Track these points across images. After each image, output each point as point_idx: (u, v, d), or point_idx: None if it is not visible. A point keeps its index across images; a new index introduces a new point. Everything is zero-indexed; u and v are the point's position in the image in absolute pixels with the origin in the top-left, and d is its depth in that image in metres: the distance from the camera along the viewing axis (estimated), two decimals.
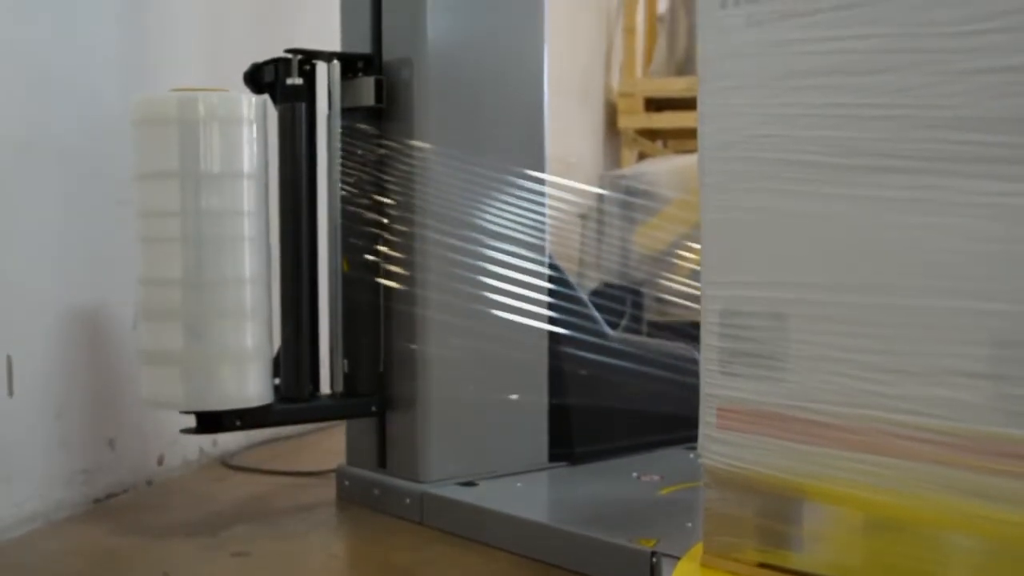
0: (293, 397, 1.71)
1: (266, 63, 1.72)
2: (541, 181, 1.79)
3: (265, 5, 2.36)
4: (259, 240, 1.65)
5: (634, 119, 4.27)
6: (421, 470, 1.73)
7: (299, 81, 1.70)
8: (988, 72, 0.99)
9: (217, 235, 1.60)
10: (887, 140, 1.06)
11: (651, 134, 4.35)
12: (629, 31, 4.49)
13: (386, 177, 1.72)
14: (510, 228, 1.74)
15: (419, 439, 1.73)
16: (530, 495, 1.73)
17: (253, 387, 1.64)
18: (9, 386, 1.62)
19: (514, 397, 1.77)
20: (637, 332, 2.54)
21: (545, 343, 1.82)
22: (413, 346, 1.70)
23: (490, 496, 1.66)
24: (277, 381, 1.71)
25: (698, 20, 1.23)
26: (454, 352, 1.71)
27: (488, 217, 1.73)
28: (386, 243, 1.72)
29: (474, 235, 1.72)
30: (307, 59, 1.71)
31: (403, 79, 1.72)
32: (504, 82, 1.78)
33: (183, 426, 1.67)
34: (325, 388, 1.77)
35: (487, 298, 1.72)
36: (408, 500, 1.71)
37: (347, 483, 1.84)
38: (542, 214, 1.80)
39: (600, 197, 2.85)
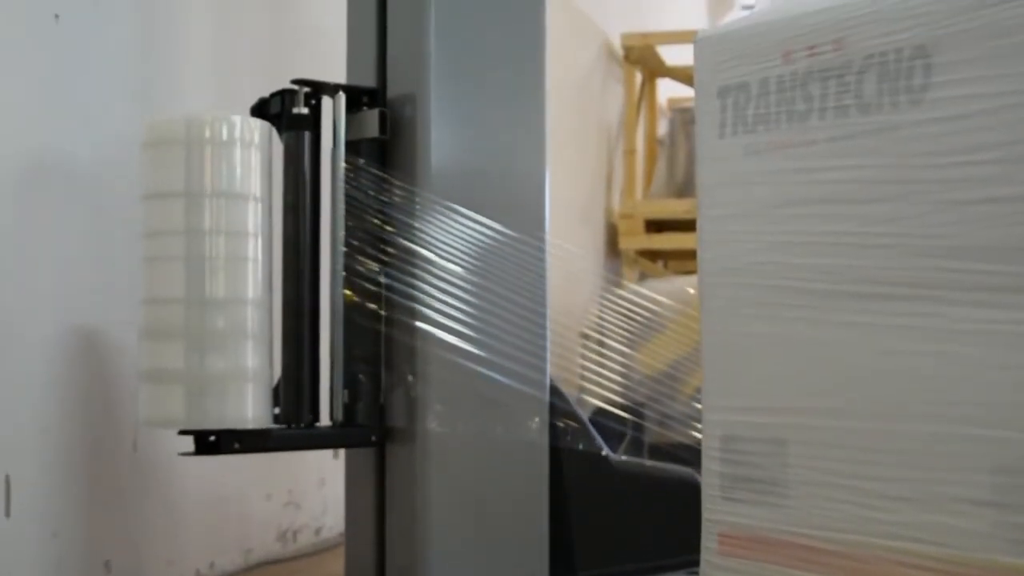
0: (293, 423, 1.70)
1: (272, 95, 1.75)
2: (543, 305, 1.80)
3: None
4: (262, 263, 1.65)
5: (635, 240, 4.31)
6: None
7: (304, 111, 1.72)
8: (981, 202, 1.01)
9: (221, 255, 1.61)
10: (884, 268, 1.08)
11: (652, 255, 4.38)
12: (629, 153, 4.56)
13: (389, 213, 1.73)
14: (510, 354, 1.75)
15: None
16: None
17: (253, 409, 1.63)
18: (7, 507, 1.61)
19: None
20: (638, 455, 2.53)
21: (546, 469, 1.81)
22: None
23: None
24: (277, 410, 1.70)
25: (697, 149, 1.26)
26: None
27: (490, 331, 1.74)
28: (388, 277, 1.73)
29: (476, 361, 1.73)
30: (313, 91, 1.74)
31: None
32: (506, 203, 1.80)
33: (181, 451, 1.65)
34: (325, 419, 1.76)
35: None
36: None
37: None
38: (543, 337, 1.81)
39: (601, 316, 2.86)
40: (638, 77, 4.79)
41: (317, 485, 2.38)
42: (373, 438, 1.76)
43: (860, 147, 1.09)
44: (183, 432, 1.63)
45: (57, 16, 1.72)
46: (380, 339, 1.75)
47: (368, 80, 1.80)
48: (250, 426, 1.63)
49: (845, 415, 1.10)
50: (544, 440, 1.82)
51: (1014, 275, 0.99)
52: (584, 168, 4.31)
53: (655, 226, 4.32)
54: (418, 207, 1.71)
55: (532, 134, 1.85)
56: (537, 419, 1.80)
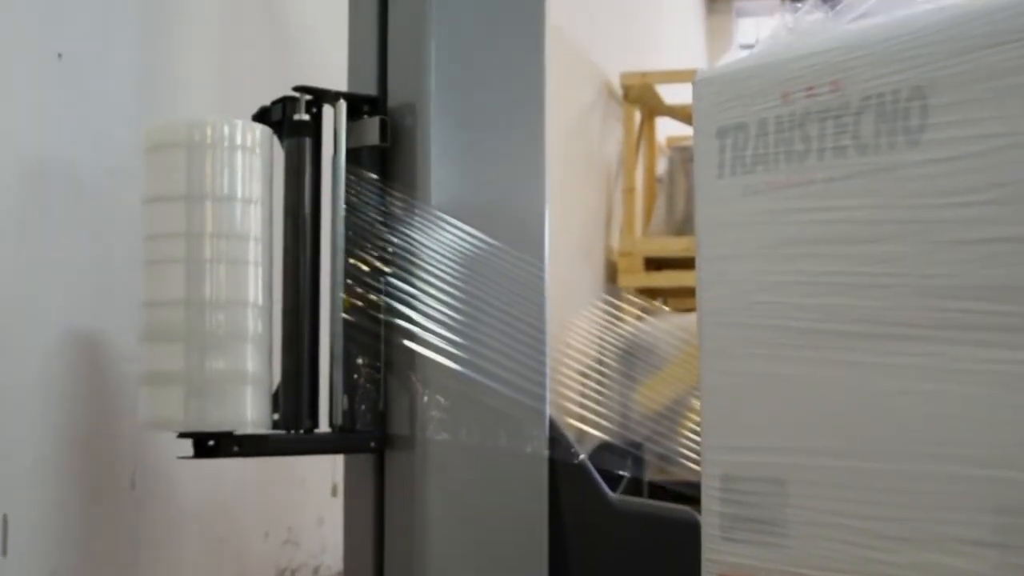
0: (292, 428, 1.69)
1: (274, 103, 1.76)
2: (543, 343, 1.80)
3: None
4: (263, 267, 1.65)
5: (634, 278, 4.32)
6: None
7: (306, 117, 1.73)
8: (978, 242, 1.02)
9: (221, 257, 1.61)
10: (883, 307, 1.08)
11: (651, 292, 4.39)
12: (629, 191, 4.58)
13: (391, 223, 1.74)
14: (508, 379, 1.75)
15: None
16: None
17: (252, 411, 1.62)
18: (4, 546, 1.60)
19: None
20: (638, 493, 2.52)
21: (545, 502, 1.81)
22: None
23: None
24: (276, 416, 1.70)
25: (695, 189, 1.26)
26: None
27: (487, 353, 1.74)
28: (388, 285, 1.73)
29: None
30: (314, 98, 1.75)
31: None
32: (505, 241, 1.81)
33: (180, 455, 1.65)
34: (325, 426, 1.76)
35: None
36: None
37: None
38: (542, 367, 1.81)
39: (600, 354, 2.86)
40: (637, 116, 4.83)
41: (316, 524, 2.37)
42: (373, 444, 1.76)
43: (858, 187, 1.10)
44: (182, 435, 1.63)
45: (60, 55, 1.73)
46: (380, 345, 1.75)
47: (369, 88, 1.81)
48: (249, 429, 1.63)
49: (845, 455, 1.10)
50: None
51: (1013, 315, 0.99)
52: (584, 206, 4.32)
53: (654, 264, 4.34)
54: (417, 220, 1.72)
55: (532, 172, 1.86)
56: (537, 430, 1.80)
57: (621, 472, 2.29)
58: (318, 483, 2.36)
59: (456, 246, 1.74)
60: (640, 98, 4.75)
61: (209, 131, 1.61)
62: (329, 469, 2.33)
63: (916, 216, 1.06)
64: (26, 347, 1.67)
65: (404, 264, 1.73)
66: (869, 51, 1.11)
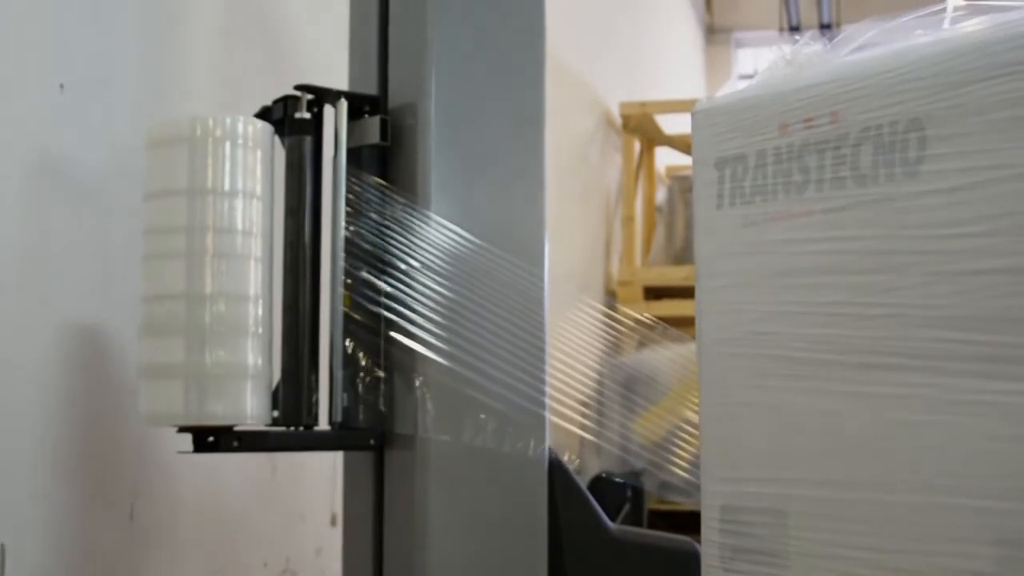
0: (292, 424, 1.69)
1: (275, 101, 1.76)
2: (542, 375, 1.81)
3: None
4: (263, 262, 1.66)
5: (633, 307, 4.32)
6: None
7: (307, 115, 1.74)
8: (976, 273, 1.02)
9: (223, 252, 1.61)
10: (883, 338, 1.08)
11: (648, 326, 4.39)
12: (628, 221, 4.59)
13: (390, 222, 1.74)
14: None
15: None
16: None
17: (252, 406, 1.62)
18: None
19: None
20: (638, 523, 2.52)
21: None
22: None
23: None
24: (276, 414, 1.69)
25: (695, 220, 1.27)
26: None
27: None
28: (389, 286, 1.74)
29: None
30: (316, 97, 1.75)
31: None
32: (505, 272, 1.81)
33: (180, 450, 1.64)
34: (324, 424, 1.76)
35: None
36: None
37: None
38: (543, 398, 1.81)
39: (600, 384, 2.86)
40: (636, 145, 4.84)
41: (314, 554, 2.36)
42: (372, 442, 1.75)
43: (857, 218, 1.11)
44: (182, 430, 1.63)
45: (62, 86, 1.74)
46: (380, 342, 1.75)
47: (369, 88, 1.82)
48: (249, 422, 1.62)
49: (845, 486, 1.10)
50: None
51: (1012, 346, 0.99)
52: (583, 235, 4.33)
53: (654, 293, 4.34)
54: (417, 220, 1.73)
55: (532, 204, 1.87)
56: (537, 429, 1.80)
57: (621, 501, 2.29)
58: (317, 513, 2.36)
59: (455, 248, 1.74)
60: (639, 128, 4.77)
61: (210, 126, 1.62)
62: (328, 499, 2.33)
63: (914, 247, 1.06)
64: (26, 374, 1.67)
65: (404, 262, 1.73)
66: (867, 83, 1.11)
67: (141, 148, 1.66)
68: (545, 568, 1.81)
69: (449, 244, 1.74)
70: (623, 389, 2.79)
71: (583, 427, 2.29)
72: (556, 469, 1.85)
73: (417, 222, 1.73)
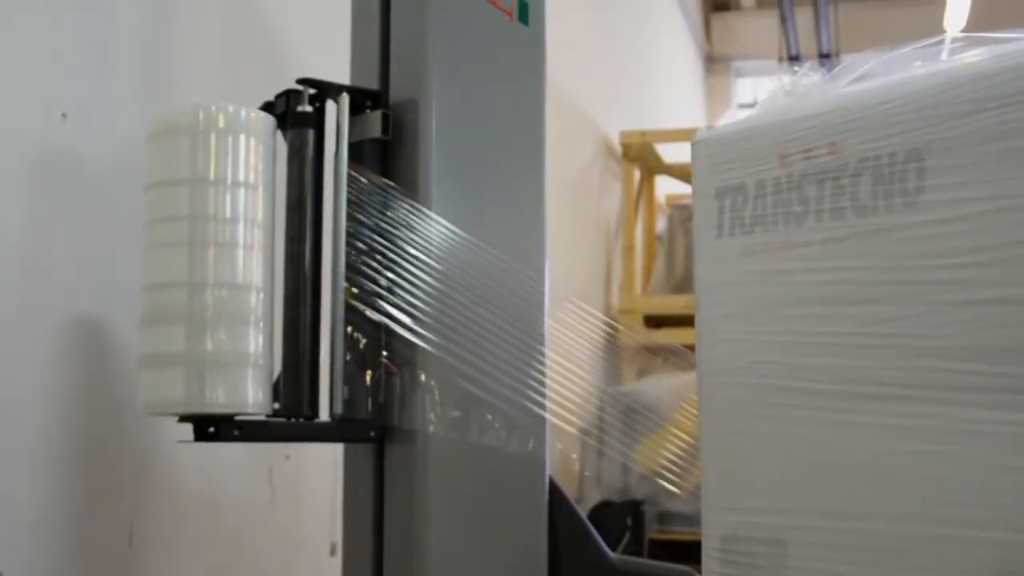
0: (292, 416, 1.68)
1: (277, 96, 1.77)
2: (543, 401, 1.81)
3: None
4: (265, 252, 1.65)
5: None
6: None
7: (309, 109, 1.74)
8: (974, 303, 1.02)
9: (225, 240, 1.61)
10: (882, 368, 1.08)
11: (651, 350, 4.39)
12: (628, 249, 4.60)
13: (391, 217, 1.75)
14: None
15: None
16: None
17: (254, 394, 1.61)
18: None
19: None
20: (638, 552, 2.51)
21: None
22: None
23: None
24: (276, 406, 1.69)
25: (695, 249, 1.27)
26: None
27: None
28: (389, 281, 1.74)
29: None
30: (317, 91, 1.76)
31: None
32: (505, 301, 1.82)
33: (180, 439, 1.62)
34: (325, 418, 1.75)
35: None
36: None
37: None
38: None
39: (601, 412, 2.86)
40: (636, 174, 4.86)
41: None
42: (372, 434, 1.75)
43: (856, 248, 1.11)
44: (183, 419, 1.62)
45: (64, 115, 1.75)
46: (381, 335, 1.75)
47: (371, 83, 1.83)
48: (250, 410, 1.62)
49: (845, 516, 1.10)
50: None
51: (1010, 376, 1.00)
52: (583, 263, 4.33)
53: (654, 322, 4.34)
54: (419, 215, 1.74)
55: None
56: (537, 424, 1.80)
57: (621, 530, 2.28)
58: (317, 542, 2.35)
59: (455, 243, 1.75)
60: (639, 156, 4.79)
61: (213, 116, 1.62)
62: (328, 528, 2.32)
63: (913, 277, 1.06)
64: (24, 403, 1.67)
65: (404, 260, 1.74)
66: (866, 114, 1.12)
67: (142, 141, 1.67)
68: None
69: (449, 240, 1.75)
70: (623, 417, 2.79)
71: (582, 428, 2.28)
72: (556, 498, 1.85)
73: (417, 217, 1.74)
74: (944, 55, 1.12)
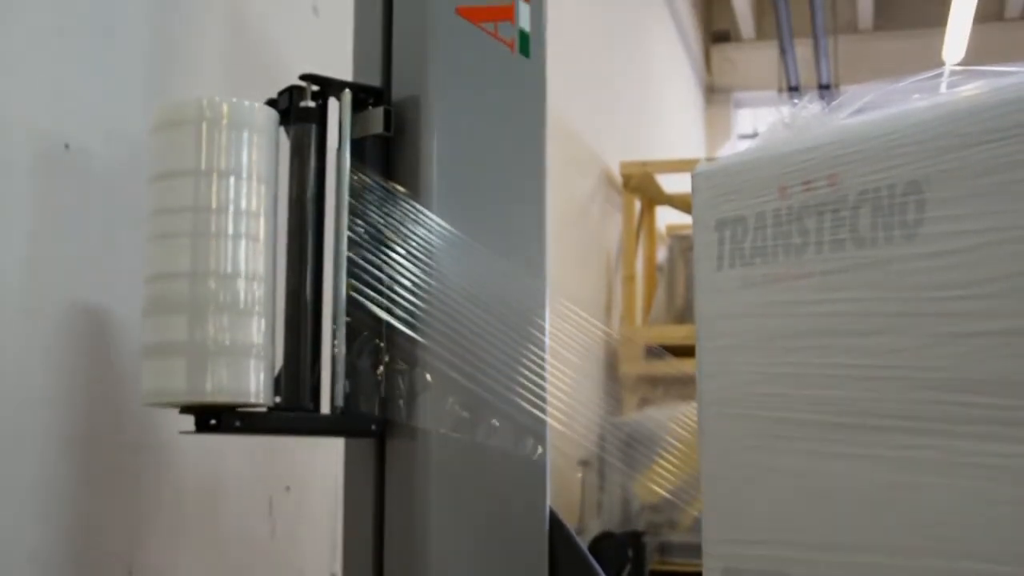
0: (294, 407, 1.68)
1: (280, 92, 1.77)
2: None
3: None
4: (268, 244, 1.66)
5: (634, 365, 4.32)
6: None
7: (311, 104, 1.74)
8: (975, 335, 1.02)
9: (228, 232, 1.61)
10: (883, 400, 1.08)
11: (652, 380, 4.39)
12: (629, 280, 4.60)
13: (391, 213, 1.75)
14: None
15: None
16: None
17: (255, 385, 1.61)
18: None
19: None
20: None
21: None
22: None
23: None
24: (278, 399, 1.68)
25: (695, 280, 1.27)
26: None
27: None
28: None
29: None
30: (320, 88, 1.76)
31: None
32: (504, 333, 1.82)
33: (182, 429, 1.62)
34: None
35: None
36: None
37: None
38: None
39: (602, 442, 2.85)
40: (637, 204, 4.87)
41: None
42: (373, 427, 1.75)
43: (856, 280, 1.11)
44: (184, 410, 1.62)
45: (67, 146, 1.76)
46: (382, 330, 1.75)
47: (373, 80, 1.84)
48: (251, 400, 1.61)
49: (847, 549, 1.09)
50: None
51: (1010, 408, 0.99)
52: (584, 293, 4.34)
53: (654, 352, 4.34)
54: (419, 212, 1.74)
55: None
56: (537, 422, 1.79)
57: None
58: (316, 572, 2.34)
59: (454, 241, 1.75)
60: (640, 187, 4.80)
61: (218, 108, 1.63)
62: (328, 560, 2.31)
63: (913, 309, 1.07)
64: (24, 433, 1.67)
65: (404, 254, 1.74)
66: (865, 146, 1.12)
67: (145, 133, 1.68)
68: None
69: (449, 237, 1.75)
70: (624, 448, 2.78)
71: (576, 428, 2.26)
72: (556, 529, 1.84)
73: (418, 215, 1.75)
74: (943, 88, 1.12)
